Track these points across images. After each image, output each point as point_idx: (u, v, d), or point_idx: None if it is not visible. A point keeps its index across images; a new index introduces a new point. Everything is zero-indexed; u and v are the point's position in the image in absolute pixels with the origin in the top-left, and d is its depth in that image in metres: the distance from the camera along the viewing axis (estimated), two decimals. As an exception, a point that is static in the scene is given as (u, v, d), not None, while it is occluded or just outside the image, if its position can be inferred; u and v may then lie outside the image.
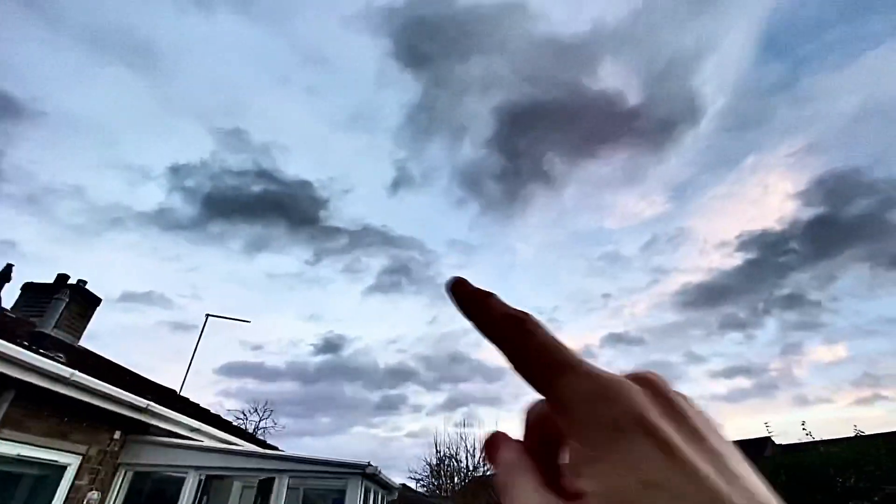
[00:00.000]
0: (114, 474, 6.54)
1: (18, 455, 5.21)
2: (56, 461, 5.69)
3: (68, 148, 30.23)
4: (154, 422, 6.84)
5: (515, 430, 0.26)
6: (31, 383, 5.03)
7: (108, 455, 6.44)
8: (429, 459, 22.40)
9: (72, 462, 5.90)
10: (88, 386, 5.64)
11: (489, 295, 0.25)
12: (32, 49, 24.86)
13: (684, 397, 0.23)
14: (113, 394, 6.00)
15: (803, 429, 9.15)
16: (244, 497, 8.56)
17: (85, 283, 8.71)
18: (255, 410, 24.81)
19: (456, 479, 21.67)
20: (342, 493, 6.57)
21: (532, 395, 0.24)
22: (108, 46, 28.70)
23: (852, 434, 8.69)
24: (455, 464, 21.87)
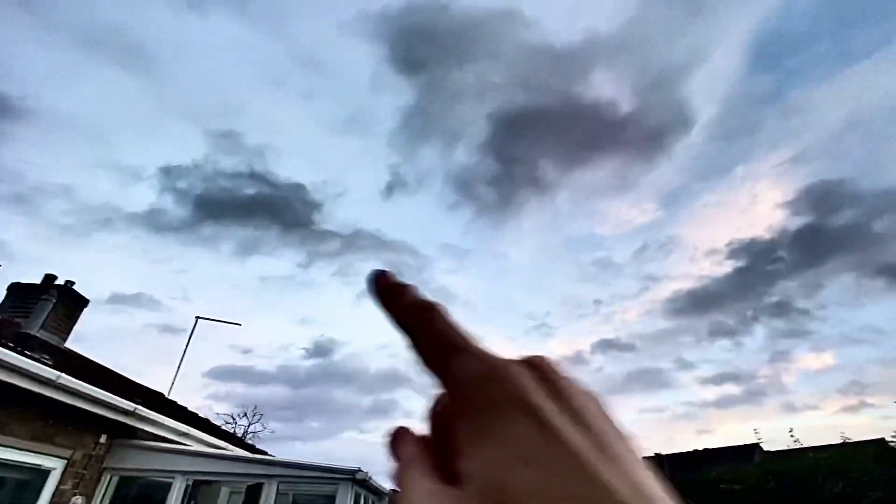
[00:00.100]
0: (99, 479, 6.42)
1: (1, 459, 5.11)
2: (40, 465, 5.58)
3: (59, 147, 29.91)
4: (141, 425, 6.73)
5: (421, 426, 0.26)
6: (15, 385, 4.94)
7: (94, 459, 6.33)
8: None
9: (56, 466, 5.80)
10: (75, 389, 5.55)
11: (405, 286, 0.26)
12: (23, 47, 24.63)
13: (572, 381, 0.24)
14: (99, 397, 5.91)
15: (791, 435, 9.25)
16: (232, 502, 8.45)
17: (73, 283, 8.59)
18: (245, 414, 24.54)
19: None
20: (332, 498, 6.51)
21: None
22: (101, 46, 28.51)
23: (839, 441, 8.80)
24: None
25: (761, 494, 7.09)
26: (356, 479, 6.52)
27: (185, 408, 10.48)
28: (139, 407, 6.54)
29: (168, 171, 36.80)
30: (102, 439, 6.43)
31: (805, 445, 9.19)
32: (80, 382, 5.61)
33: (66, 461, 5.90)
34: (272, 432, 25.69)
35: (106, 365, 9.32)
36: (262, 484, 6.41)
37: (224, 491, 8.24)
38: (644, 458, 0.22)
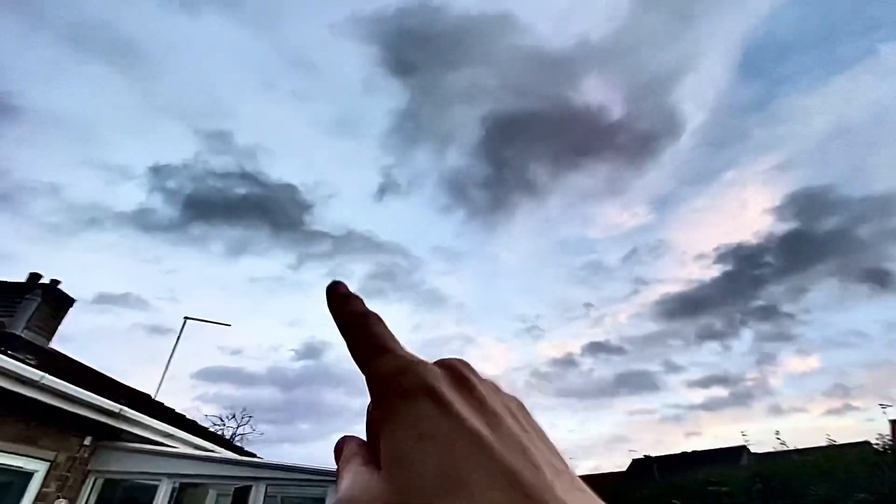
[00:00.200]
0: (83, 482, 6.31)
1: (-19, 461, 5.00)
2: (22, 468, 5.47)
3: (45, 145, 29.47)
4: (127, 427, 6.63)
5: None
6: (-3, 386, 4.84)
7: (78, 462, 6.22)
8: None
9: (39, 469, 5.68)
10: (59, 390, 5.45)
11: (352, 296, 0.29)
12: (9, 43, 24.24)
13: (486, 380, 0.26)
14: (84, 398, 5.81)
15: (777, 438, 9.35)
16: (219, 505, 8.35)
17: (58, 282, 8.45)
18: (234, 416, 24.28)
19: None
20: (321, 500, 6.45)
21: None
22: (90, 43, 28.17)
23: (825, 444, 8.91)
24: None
25: (748, 496, 7.16)
26: (346, 482, 6.46)
27: (173, 409, 10.34)
28: (125, 408, 6.44)
29: (157, 171, 36.46)
30: (87, 441, 6.32)
31: (791, 448, 9.31)
32: (65, 383, 5.51)
33: (49, 463, 5.79)
34: (261, 434, 25.45)
35: (91, 366, 9.16)
36: (251, 486, 6.34)
37: (211, 494, 8.14)
38: (561, 452, 0.24)
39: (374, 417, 0.24)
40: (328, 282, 0.30)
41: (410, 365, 0.24)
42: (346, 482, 0.23)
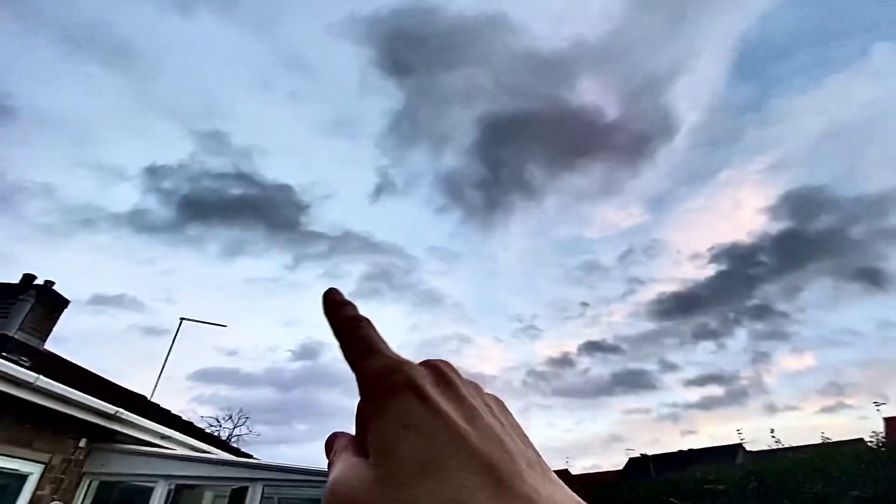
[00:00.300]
0: (78, 484, 6.27)
1: (-25, 464, 4.97)
2: (17, 470, 5.44)
3: (40, 145, 29.28)
4: (122, 429, 6.59)
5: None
6: (-9, 388, 4.81)
7: (73, 464, 6.18)
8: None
9: (33, 471, 5.65)
10: (53, 391, 5.42)
11: (346, 302, 0.32)
12: (5, 43, 24.06)
13: (467, 380, 0.29)
14: (79, 400, 5.77)
15: (772, 436, 9.40)
16: (216, 507, 8.31)
17: (52, 283, 8.39)
18: (230, 417, 24.20)
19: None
20: (318, 501, 6.44)
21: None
22: (85, 44, 27.99)
23: (819, 441, 8.97)
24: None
25: (744, 494, 7.19)
26: (343, 482, 6.45)
27: (169, 411, 10.29)
28: (120, 410, 6.41)
29: (153, 171, 36.29)
30: (82, 443, 6.29)
31: (786, 446, 9.36)
32: (60, 385, 5.48)
33: (44, 466, 5.75)
34: (258, 435, 25.39)
35: (87, 367, 9.11)
36: (247, 488, 6.32)
37: (208, 495, 8.11)
38: (537, 447, 0.27)
39: (363, 412, 0.26)
40: (325, 282, 0.31)
41: (397, 365, 0.26)
42: (336, 469, 0.25)
